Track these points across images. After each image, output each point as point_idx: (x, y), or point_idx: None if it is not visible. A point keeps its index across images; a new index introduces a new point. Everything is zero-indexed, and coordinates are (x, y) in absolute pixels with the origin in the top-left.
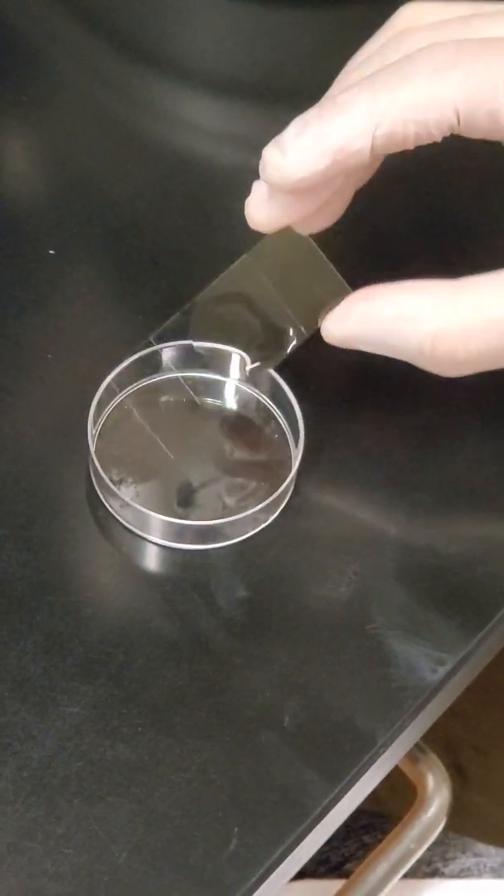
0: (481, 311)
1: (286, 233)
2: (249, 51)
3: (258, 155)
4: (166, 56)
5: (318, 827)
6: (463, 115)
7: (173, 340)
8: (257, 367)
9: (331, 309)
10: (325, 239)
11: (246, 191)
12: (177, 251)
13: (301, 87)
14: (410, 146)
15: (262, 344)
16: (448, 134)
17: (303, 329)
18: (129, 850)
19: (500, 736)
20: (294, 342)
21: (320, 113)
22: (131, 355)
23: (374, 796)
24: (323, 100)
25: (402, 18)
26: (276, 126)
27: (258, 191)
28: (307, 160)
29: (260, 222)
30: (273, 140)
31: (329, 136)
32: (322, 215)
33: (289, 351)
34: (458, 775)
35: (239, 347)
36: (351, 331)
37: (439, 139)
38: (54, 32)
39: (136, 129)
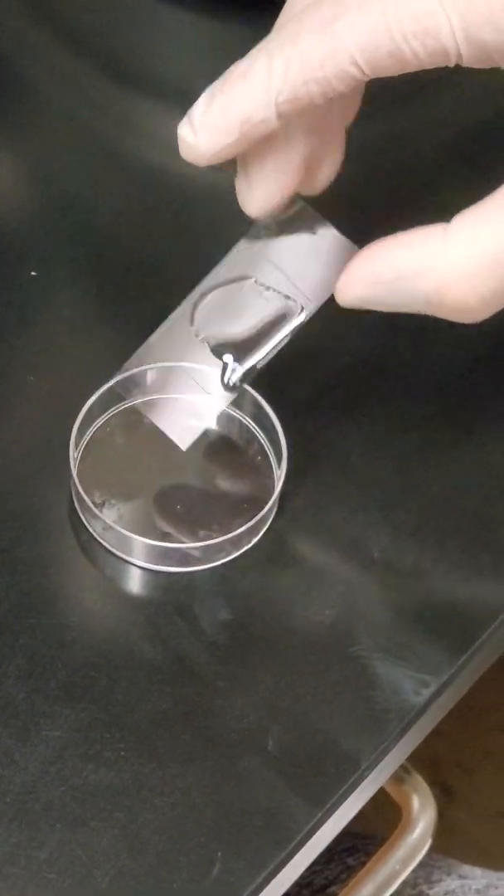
0: (477, 251)
1: (279, 206)
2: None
3: None
4: (148, 75)
5: (302, 851)
6: (364, 64)
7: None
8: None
9: (340, 272)
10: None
11: (228, 208)
12: (160, 269)
13: None
14: (321, 103)
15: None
16: (357, 84)
17: (311, 302)
18: (112, 875)
19: (485, 754)
20: (303, 318)
21: (223, 86)
22: (114, 376)
23: (358, 817)
24: (232, 66)
25: None
26: None
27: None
28: (215, 137)
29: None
30: (186, 114)
31: (232, 110)
32: (321, 168)
33: (297, 324)
34: (444, 794)
35: (240, 339)
36: (361, 295)
37: (347, 91)
38: (37, 52)
39: (118, 147)
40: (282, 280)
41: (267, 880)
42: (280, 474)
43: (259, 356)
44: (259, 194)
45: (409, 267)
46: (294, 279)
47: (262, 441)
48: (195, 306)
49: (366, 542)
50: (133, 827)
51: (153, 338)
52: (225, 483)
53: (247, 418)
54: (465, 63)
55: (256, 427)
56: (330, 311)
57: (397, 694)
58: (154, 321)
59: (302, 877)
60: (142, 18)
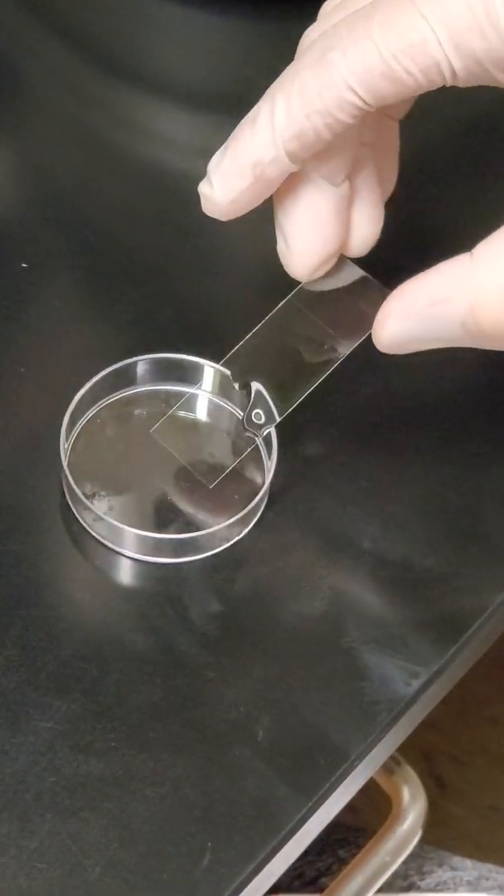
0: (501, 271)
1: (321, 265)
2: (224, 65)
3: None
4: (141, 70)
5: (292, 841)
6: (361, 89)
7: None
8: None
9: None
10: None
11: None
12: (151, 265)
13: None
14: (330, 137)
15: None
16: (360, 114)
17: (343, 347)
18: (102, 865)
19: (478, 746)
20: (336, 364)
21: (233, 136)
22: (104, 368)
23: (350, 809)
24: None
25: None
26: None
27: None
28: (229, 183)
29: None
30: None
31: (242, 154)
32: (361, 226)
33: (330, 371)
34: (437, 786)
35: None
36: (395, 332)
37: (354, 121)
38: (29, 48)
39: (110, 142)
40: (317, 327)
41: (257, 870)
42: (270, 466)
43: (292, 405)
44: (298, 255)
45: (439, 292)
46: (329, 326)
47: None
48: (236, 361)
49: (356, 534)
50: (123, 817)
51: (197, 389)
52: (216, 474)
53: (236, 409)
54: (462, 79)
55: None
56: None
57: (387, 685)
58: (145, 314)
59: (293, 868)
60: (137, 14)
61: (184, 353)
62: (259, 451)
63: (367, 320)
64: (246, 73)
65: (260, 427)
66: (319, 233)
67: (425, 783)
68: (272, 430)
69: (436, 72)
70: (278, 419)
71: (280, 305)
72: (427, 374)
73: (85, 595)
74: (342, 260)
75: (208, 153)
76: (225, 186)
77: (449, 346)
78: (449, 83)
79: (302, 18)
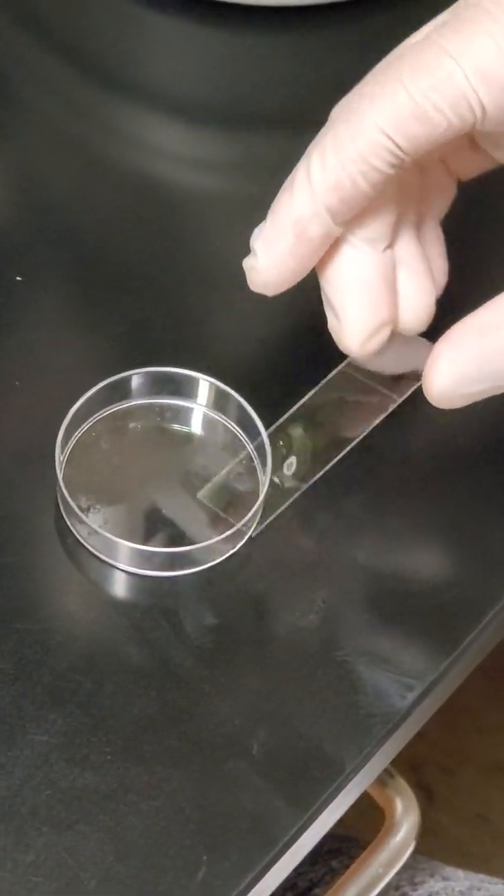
0: None
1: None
2: (216, 76)
3: (225, 180)
4: (133, 81)
5: (287, 854)
6: (394, 132)
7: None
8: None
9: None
10: None
11: (214, 214)
12: (145, 276)
13: (266, 112)
14: (368, 189)
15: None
16: (397, 162)
17: (395, 397)
18: (98, 878)
19: (466, 756)
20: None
21: (273, 203)
22: (99, 382)
23: (342, 820)
24: None
25: None
26: (242, 150)
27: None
28: (273, 247)
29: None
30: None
31: (282, 215)
32: (412, 297)
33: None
34: (425, 796)
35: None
36: (447, 375)
37: (391, 170)
38: (22, 59)
39: (103, 154)
40: (367, 387)
41: (252, 883)
42: (265, 479)
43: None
44: (349, 323)
45: (489, 321)
46: (383, 387)
47: (246, 445)
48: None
49: (350, 547)
50: (119, 830)
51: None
52: (210, 487)
53: (231, 423)
54: (491, 115)
55: (241, 432)
56: (313, 313)
57: (381, 698)
58: (140, 326)
59: (286, 879)
60: (130, 26)
61: (178, 367)
62: (254, 465)
63: (416, 371)
64: (238, 84)
65: (289, 479)
66: (368, 299)
67: (414, 793)
68: (267, 444)
69: (465, 107)
70: (314, 478)
71: (331, 375)
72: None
73: (80, 608)
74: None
75: (201, 164)
76: (268, 251)
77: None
78: (479, 121)
79: (295, 31)
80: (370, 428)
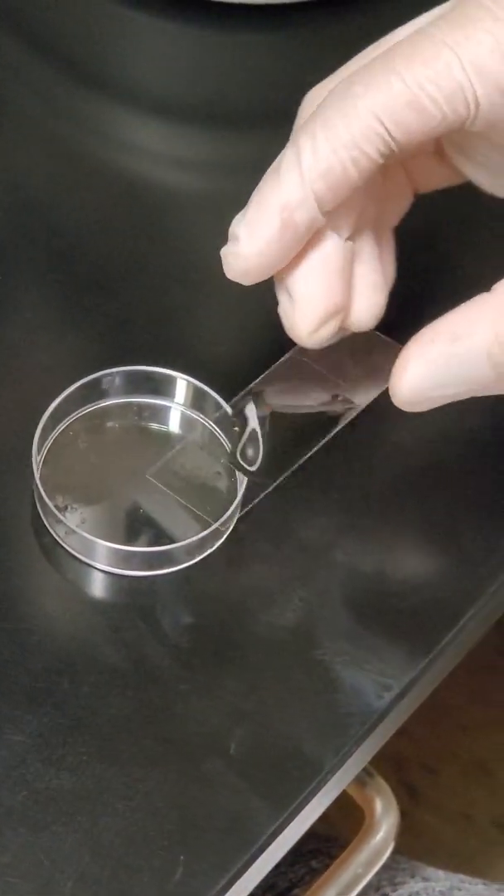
0: None
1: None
2: (195, 75)
3: (205, 179)
4: (113, 80)
5: (265, 854)
6: (387, 118)
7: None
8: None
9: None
10: None
11: (193, 213)
12: (123, 275)
13: (246, 111)
14: (356, 178)
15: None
16: (387, 151)
17: (356, 401)
18: (74, 879)
19: (449, 755)
20: (346, 421)
21: (257, 188)
22: (77, 381)
23: (322, 820)
24: None
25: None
26: (223, 149)
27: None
28: (257, 232)
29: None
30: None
31: (268, 200)
32: (365, 295)
33: (340, 427)
34: (409, 795)
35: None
36: (417, 378)
37: (381, 159)
38: (1, 57)
39: (82, 152)
40: (325, 380)
41: (230, 883)
42: (242, 478)
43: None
44: (304, 305)
45: (461, 327)
46: (339, 378)
47: (224, 444)
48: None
49: (328, 546)
50: (95, 831)
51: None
52: (188, 486)
53: (209, 422)
54: (484, 111)
55: (219, 431)
56: None
57: (360, 697)
58: (118, 325)
59: (265, 879)
60: (110, 25)
61: (156, 366)
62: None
63: (382, 372)
64: (219, 83)
65: (250, 466)
66: (325, 283)
67: (397, 792)
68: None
69: (461, 100)
70: (277, 480)
71: (283, 359)
72: None
73: (57, 608)
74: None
75: (181, 163)
76: (252, 236)
77: (472, 391)
78: (471, 118)
79: (276, 30)
80: (335, 430)
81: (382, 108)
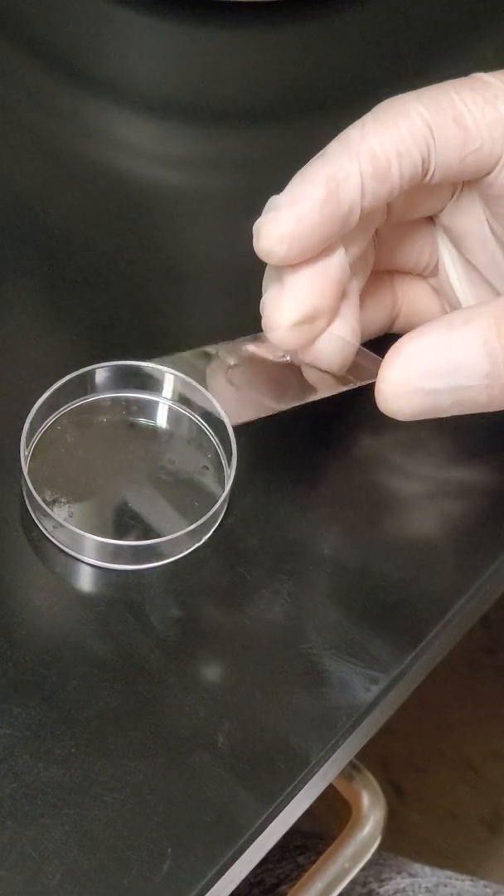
0: None
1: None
2: (182, 71)
3: (191, 175)
4: (99, 76)
5: (252, 847)
6: (435, 128)
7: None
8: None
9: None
10: None
11: (180, 209)
12: (110, 271)
13: (233, 108)
14: (397, 178)
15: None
16: (427, 161)
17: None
18: (62, 871)
19: (437, 753)
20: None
21: (300, 171)
22: (65, 375)
23: (311, 815)
24: None
25: None
26: (209, 146)
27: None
28: (300, 195)
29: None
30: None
31: (315, 170)
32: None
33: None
34: (396, 793)
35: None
36: (407, 365)
37: (419, 169)
38: None
39: (68, 149)
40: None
41: (217, 876)
42: (230, 472)
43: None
44: (292, 294)
45: (459, 315)
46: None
47: (211, 439)
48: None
49: (315, 540)
50: (83, 823)
51: (185, 354)
52: (175, 481)
53: (197, 416)
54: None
55: (206, 425)
56: None
57: (346, 690)
58: (105, 320)
59: (253, 875)
60: (96, 21)
61: (144, 360)
62: (219, 458)
63: (361, 370)
64: (205, 80)
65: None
66: (321, 284)
67: (384, 790)
68: (232, 438)
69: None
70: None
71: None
72: None
73: (45, 602)
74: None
75: (168, 159)
76: (294, 201)
77: (459, 388)
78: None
79: (263, 26)
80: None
81: (431, 116)
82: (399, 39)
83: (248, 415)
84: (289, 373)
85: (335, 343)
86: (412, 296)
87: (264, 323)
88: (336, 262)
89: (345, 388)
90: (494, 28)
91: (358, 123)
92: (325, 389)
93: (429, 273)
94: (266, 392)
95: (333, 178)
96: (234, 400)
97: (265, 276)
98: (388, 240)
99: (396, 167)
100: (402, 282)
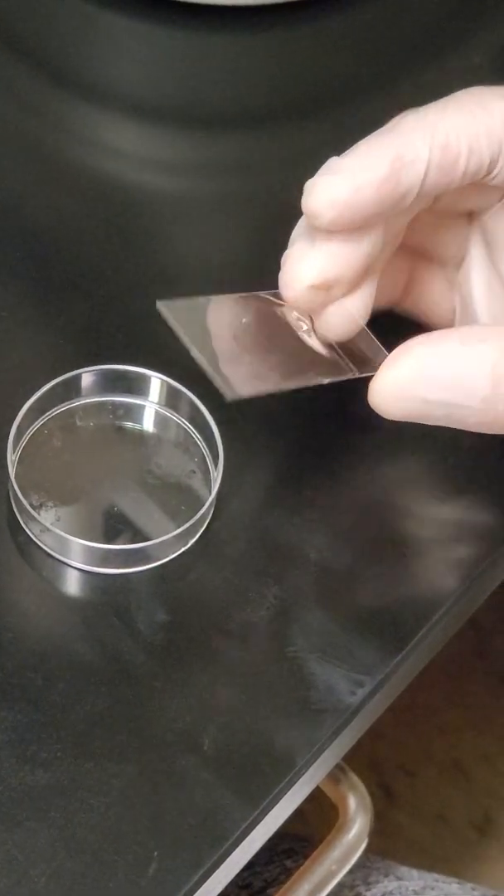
0: None
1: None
2: (170, 76)
3: (179, 180)
4: (87, 81)
5: (238, 850)
6: (499, 130)
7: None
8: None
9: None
10: None
11: (167, 213)
12: (98, 275)
13: (220, 112)
14: (461, 174)
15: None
16: (497, 156)
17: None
18: (48, 875)
19: (426, 756)
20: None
21: (367, 138)
22: (52, 379)
23: (298, 818)
24: None
25: None
26: (197, 150)
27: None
28: (364, 165)
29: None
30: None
31: (385, 143)
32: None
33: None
34: (386, 796)
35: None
36: (412, 368)
37: (484, 170)
38: None
39: (56, 153)
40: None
41: (203, 879)
42: (216, 476)
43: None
44: (323, 252)
45: (475, 334)
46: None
47: (198, 443)
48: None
49: (301, 544)
50: (69, 827)
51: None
52: (162, 484)
53: (184, 420)
54: None
55: (193, 429)
56: None
57: (332, 694)
58: (92, 324)
59: (240, 878)
60: (83, 25)
61: (131, 364)
62: (206, 462)
63: (364, 360)
64: (192, 84)
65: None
66: (348, 252)
67: (373, 793)
68: (219, 441)
69: None
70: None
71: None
72: None
73: (31, 605)
74: None
75: (155, 164)
76: (357, 170)
77: (453, 407)
78: None
79: (251, 30)
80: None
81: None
82: (386, 44)
83: (247, 389)
84: (297, 346)
85: (343, 316)
86: (427, 282)
87: (282, 277)
88: (372, 238)
89: (344, 378)
90: (481, 34)
91: (438, 105)
92: (326, 373)
93: (450, 265)
94: (271, 363)
95: (400, 159)
96: (235, 364)
97: (296, 228)
98: (422, 223)
99: (464, 162)
100: (421, 265)
